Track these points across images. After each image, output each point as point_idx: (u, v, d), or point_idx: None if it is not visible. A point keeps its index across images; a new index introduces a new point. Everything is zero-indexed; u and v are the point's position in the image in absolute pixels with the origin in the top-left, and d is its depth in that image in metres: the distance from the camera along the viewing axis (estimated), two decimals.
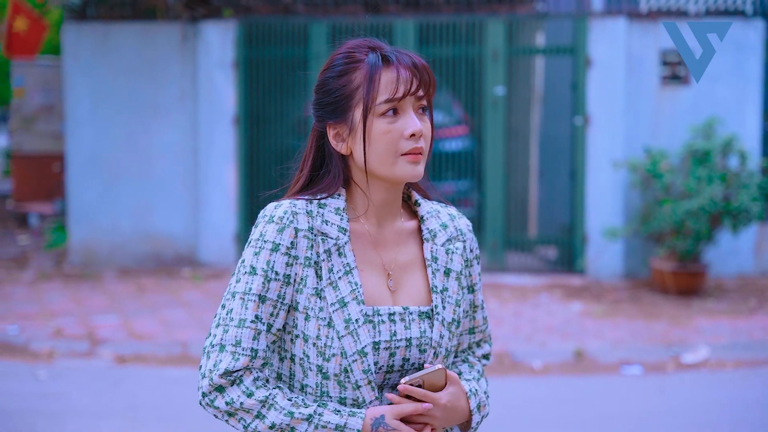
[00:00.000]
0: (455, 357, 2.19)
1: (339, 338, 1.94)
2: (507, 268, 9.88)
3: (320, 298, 1.95)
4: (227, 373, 1.91)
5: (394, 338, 1.98)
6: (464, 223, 2.15)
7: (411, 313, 2.01)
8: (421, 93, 1.98)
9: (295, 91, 9.83)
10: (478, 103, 10.04)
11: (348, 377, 1.94)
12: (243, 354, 1.92)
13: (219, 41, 9.89)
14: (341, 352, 1.94)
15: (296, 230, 1.95)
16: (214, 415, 1.95)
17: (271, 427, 1.91)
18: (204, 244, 9.97)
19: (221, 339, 1.93)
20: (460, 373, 2.14)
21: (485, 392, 2.15)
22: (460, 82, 10.07)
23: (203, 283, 9.46)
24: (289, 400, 1.93)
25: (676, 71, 9.54)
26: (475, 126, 10.24)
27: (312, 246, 1.96)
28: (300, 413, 1.91)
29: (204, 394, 1.94)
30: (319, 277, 1.96)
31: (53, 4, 15.90)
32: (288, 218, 1.96)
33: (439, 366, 1.97)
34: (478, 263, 2.16)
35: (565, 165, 10.15)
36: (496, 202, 9.82)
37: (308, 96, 2.13)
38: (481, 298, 2.17)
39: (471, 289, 2.14)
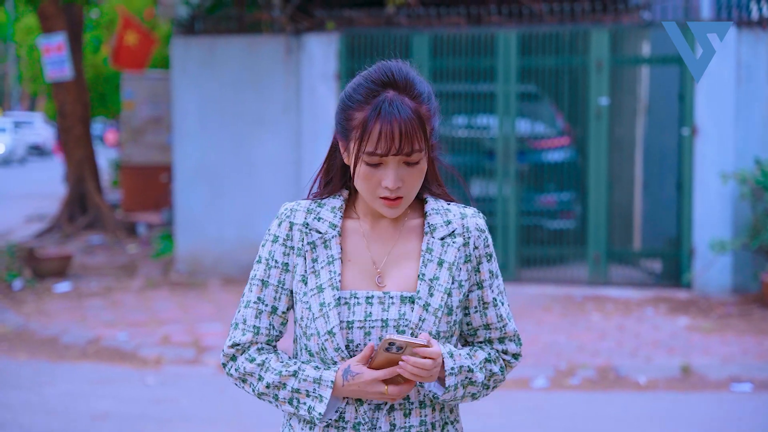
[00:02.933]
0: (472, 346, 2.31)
1: (314, 320, 2.16)
2: (610, 281, 9.74)
3: (305, 284, 2.19)
4: (234, 345, 2.21)
5: (368, 318, 2.15)
6: (474, 222, 2.24)
7: (391, 297, 2.17)
8: (403, 153, 2.11)
9: None
10: (582, 114, 9.94)
11: (325, 355, 2.16)
12: (247, 330, 2.21)
13: (322, 53, 10.00)
14: (317, 332, 2.15)
15: (291, 224, 2.22)
16: (235, 384, 2.24)
17: (267, 387, 2.18)
18: None
19: (234, 318, 2.25)
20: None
21: (480, 363, 2.21)
22: (563, 92, 9.98)
23: None
24: (281, 362, 2.19)
25: None
26: (578, 137, 10.13)
27: (303, 238, 2.20)
28: (287, 371, 2.16)
29: (223, 365, 2.25)
30: (305, 266, 2.19)
31: (162, 18, 16.27)
32: (286, 214, 2.24)
33: (426, 340, 2.07)
34: (488, 261, 2.25)
35: (670, 176, 9.97)
36: (599, 214, 9.69)
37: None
38: (492, 295, 2.25)
39: (479, 286, 2.24)
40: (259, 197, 10.25)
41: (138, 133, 15.82)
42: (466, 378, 2.17)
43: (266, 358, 2.19)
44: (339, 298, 2.16)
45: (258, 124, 10.26)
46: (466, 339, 2.29)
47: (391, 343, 2.04)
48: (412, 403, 2.18)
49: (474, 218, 2.25)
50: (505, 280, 9.62)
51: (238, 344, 2.21)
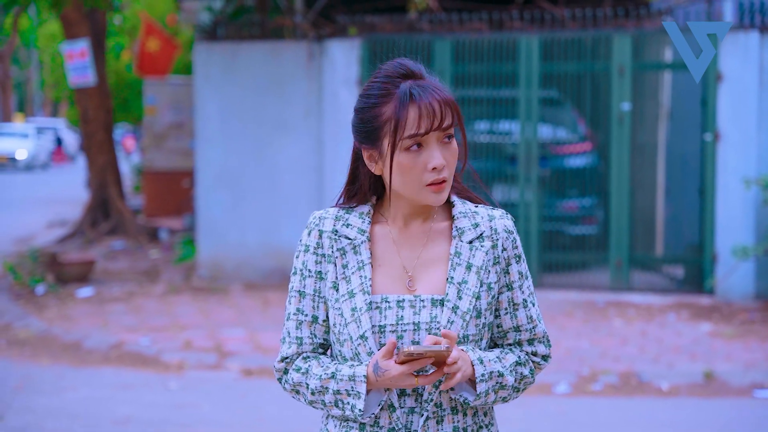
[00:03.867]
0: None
1: (346, 325, 2.17)
2: (632, 286, 9.69)
3: (336, 290, 2.19)
4: (283, 359, 2.24)
5: (400, 322, 2.16)
6: (502, 224, 2.24)
7: (422, 300, 2.17)
8: (444, 126, 2.13)
9: None
10: (604, 119, 9.91)
11: (359, 360, 2.16)
12: (292, 342, 2.23)
13: (344, 59, 10.02)
14: (349, 337, 2.16)
15: (320, 232, 2.23)
16: (292, 398, 2.25)
17: (313, 393, 2.18)
18: None
19: (282, 333, 2.27)
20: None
21: (510, 366, 2.21)
22: (585, 98, 9.96)
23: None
24: (321, 366, 2.19)
25: None
26: (600, 142, 10.10)
27: (333, 245, 2.21)
28: (326, 374, 2.16)
29: (279, 380, 2.26)
30: (336, 272, 2.20)
31: (185, 24, 16.34)
32: (315, 222, 2.25)
33: (446, 346, 2.04)
34: (517, 262, 2.24)
35: (693, 182, 9.92)
36: (620, 219, 9.65)
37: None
38: (522, 296, 2.25)
39: (509, 287, 2.23)
40: (281, 203, 10.27)
41: (160, 139, 15.89)
42: (497, 383, 2.17)
43: (309, 365, 2.20)
44: (370, 303, 2.17)
45: (280, 129, 10.29)
46: (495, 342, 2.28)
47: (410, 354, 2.04)
48: (444, 410, 2.18)
49: (502, 220, 2.25)
50: None
51: (287, 357, 2.24)
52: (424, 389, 2.16)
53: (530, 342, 2.26)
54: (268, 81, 10.29)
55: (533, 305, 2.27)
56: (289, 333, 2.24)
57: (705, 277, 9.45)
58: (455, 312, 2.16)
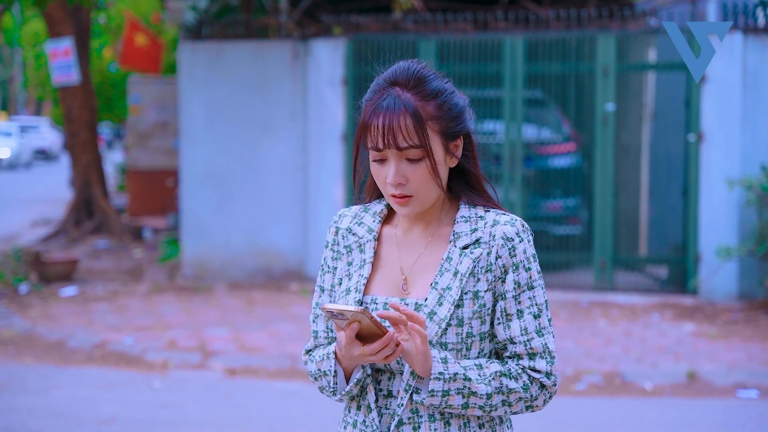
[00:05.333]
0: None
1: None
2: (616, 287, 9.73)
3: (340, 286, 2.25)
4: (307, 351, 2.30)
5: (384, 323, 2.10)
6: (501, 231, 2.15)
7: (407, 304, 2.15)
8: (401, 146, 2.09)
9: None
10: (588, 120, 9.95)
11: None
12: (312, 336, 2.29)
13: (329, 59, 10.02)
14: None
15: (337, 229, 2.28)
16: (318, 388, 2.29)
17: (316, 379, 2.23)
18: (312, 259, 10.09)
19: None
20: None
21: (490, 375, 2.10)
22: (569, 98, 9.99)
23: (311, 297, 9.56)
24: (322, 351, 2.23)
25: None
26: (584, 143, 10.14)
27: (344, 242, 2.26)
28: (320, 356, 2.21)
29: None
30: (343, 268, 2.25)
31: (169, 24, 16.31)
32: (335, 219, 2.30)
33: (360, 308, 1.98)
34: (515, 271, 2.15)
35: (677, 183, 9.97)
36: (605, 220, 9.69)
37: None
38: (517, 307, 2.14)
39: (503, 297, 2.15)
40: (266, 202, 10.26)
41: (144, 138, 15.85)
42: (465, 387, 2.08)
43: (315, 353, 2.25)
44: (360, 302, 2.19)
45: (265, 129, 10.27)
46: (499, 354, 2.20)
47: (330, 312, 2.01)
48: (421, 416, 2.12)
49: (504, 226, 2.15)
50: None
51: (309, 350, 2.30)
52: (397, 392, 2.14)
53: (531, 356, 2.14)
54: (253, 80, 10.28)
55: (534, 317, 2.15)
56: (311, 326, 2.29)
57: (688, 277, 9.50)
58: (431, 318, 2.11)
